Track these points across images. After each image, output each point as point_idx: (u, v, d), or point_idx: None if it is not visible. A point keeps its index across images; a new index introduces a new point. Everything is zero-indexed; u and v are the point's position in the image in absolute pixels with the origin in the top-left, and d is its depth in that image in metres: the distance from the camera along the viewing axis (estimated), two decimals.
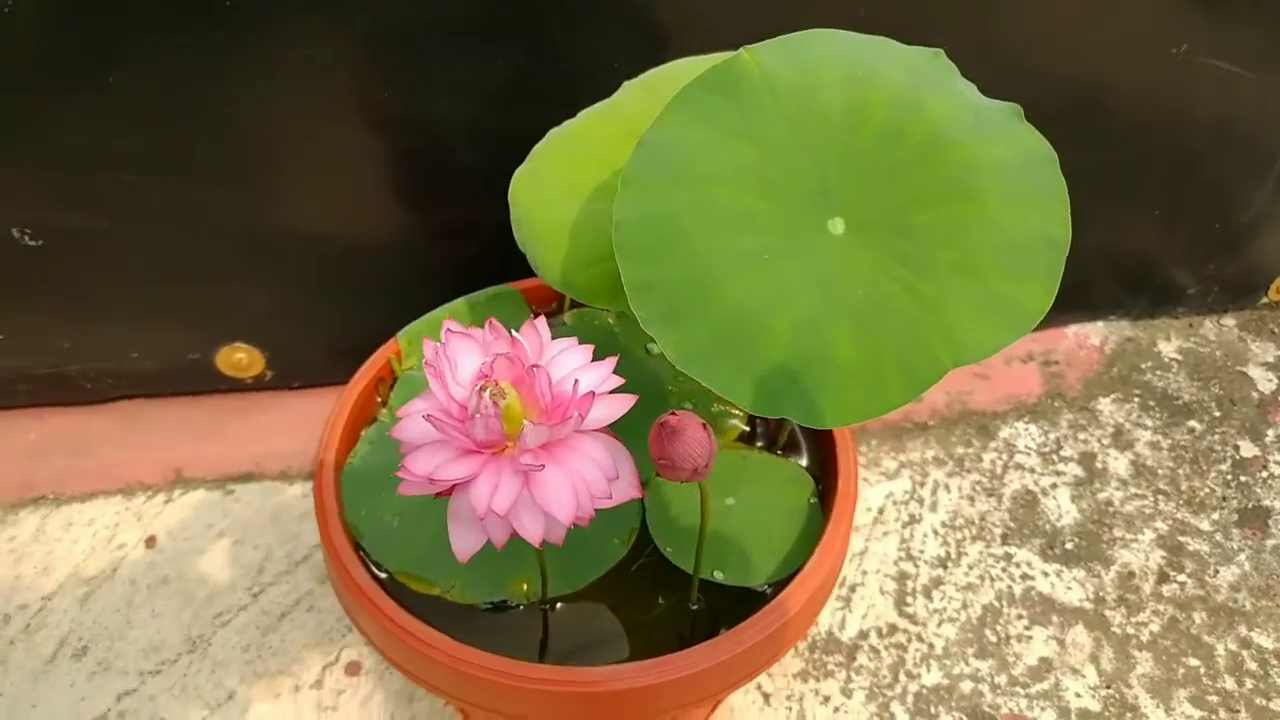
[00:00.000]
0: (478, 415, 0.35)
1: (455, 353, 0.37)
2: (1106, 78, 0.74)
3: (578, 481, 0.37)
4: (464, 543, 0.37)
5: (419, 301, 0.59)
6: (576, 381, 0.37)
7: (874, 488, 0.82)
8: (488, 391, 0.35)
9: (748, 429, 0.60)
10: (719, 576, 0.52)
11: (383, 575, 0.52)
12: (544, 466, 0.36)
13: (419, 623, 0.47)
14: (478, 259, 0.64)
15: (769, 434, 0.59)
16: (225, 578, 0.74)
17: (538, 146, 0.54)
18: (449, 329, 0.38)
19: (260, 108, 0.65)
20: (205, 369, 0.79)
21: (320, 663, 0.68)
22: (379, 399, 0.59)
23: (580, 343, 0.49)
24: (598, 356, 0.42)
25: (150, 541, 0.76)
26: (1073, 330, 0.93)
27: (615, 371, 0.39)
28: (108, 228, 0.68)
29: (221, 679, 0.67)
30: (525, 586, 0.52)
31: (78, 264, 0.70)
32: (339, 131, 0.67)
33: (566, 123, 0.55)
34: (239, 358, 0.79)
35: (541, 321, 0.40)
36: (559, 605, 0.51)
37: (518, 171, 0.54)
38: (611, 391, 0.39)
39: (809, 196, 0.42)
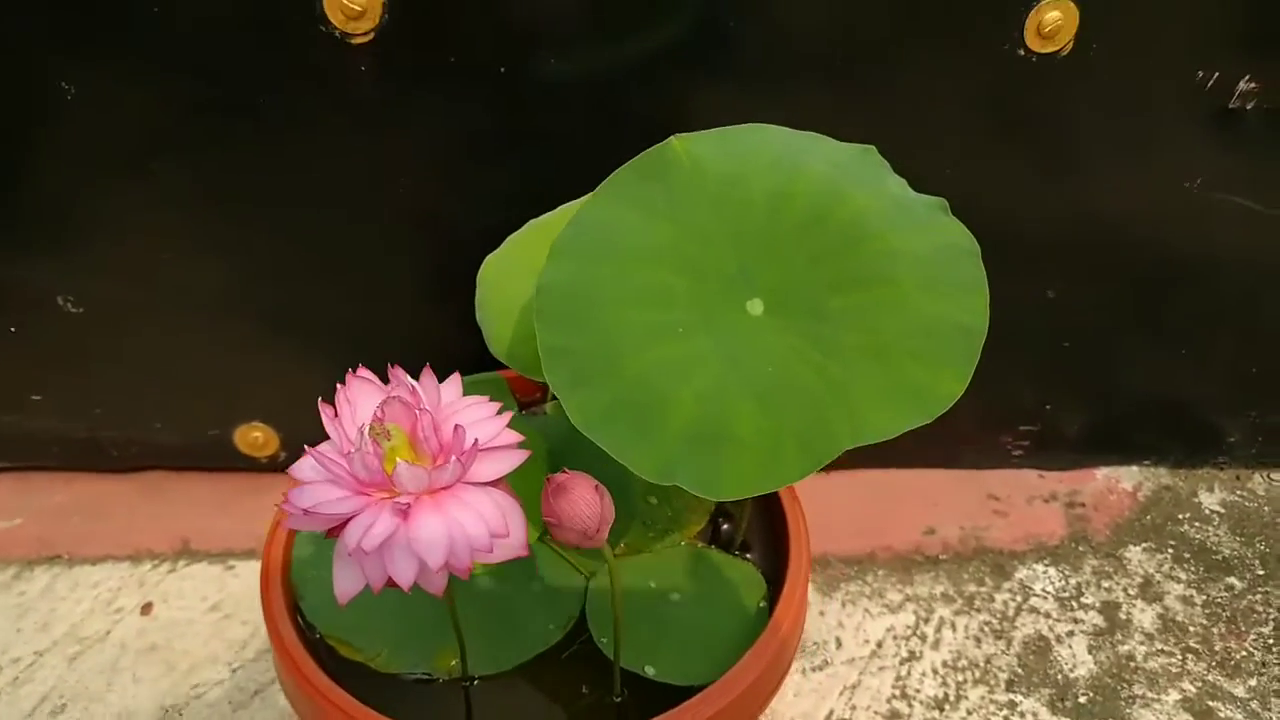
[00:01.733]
0: (356, 453, 0.36)
1: (355, 395, 0.39)
2: (1120, 212, 0.73)
3: (455, 529, 0.37)
4: (344, 584, 0.38)
5: None
6: (458, 427, 0.37)
7: (875, 620, 0.78)
8: (370, 430, 0.36)
9: (714, 525, 0.59)
10: (650, 671, 0.51)
11: (315, 637, 0.52)
12: (413, 508, 0.36)
13: (326, 679, 0.47)
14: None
15: (731, 535, 0.58)
16: (209, 651, 0.75)
17: (513, 235, 0.57)
18: (356, 374, 0.39)
19: (289, 201, 0.70)
20: (224, 445, 0.82)
21: None
22: None
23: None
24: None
25: (147, 608, 0.78)
26: (1102, 473, 0.89)
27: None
28: (143, 300, 0.74)
29: None
30: (453, 662, 0.51)
31: (114, 333, 0.75)
32: (363, 227, 0.71)
33: (546, 214, 0.58)
34: (255, 437, 0.82)
35: (454, 381, 0.41)
36: (482, 685, 0.50)
37: (489, 256, 0.56)
38: (509, 447, 0.39)
39: (729, 278, 0.43)
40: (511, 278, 0.52)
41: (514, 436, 0.40)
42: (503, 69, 0.64)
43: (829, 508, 0.85)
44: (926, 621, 0.77)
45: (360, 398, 0.39)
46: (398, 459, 0.37)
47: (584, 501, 0.38)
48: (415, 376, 0.40)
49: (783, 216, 0.42)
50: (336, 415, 0.39)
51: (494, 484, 0.40)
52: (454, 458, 0.37)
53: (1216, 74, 0.68)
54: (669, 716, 0.45)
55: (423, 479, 0.37)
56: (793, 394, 0.39)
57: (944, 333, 0.40)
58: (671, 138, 0.44)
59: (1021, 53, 0.66)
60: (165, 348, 0.77)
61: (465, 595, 0.54)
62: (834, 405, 0.39)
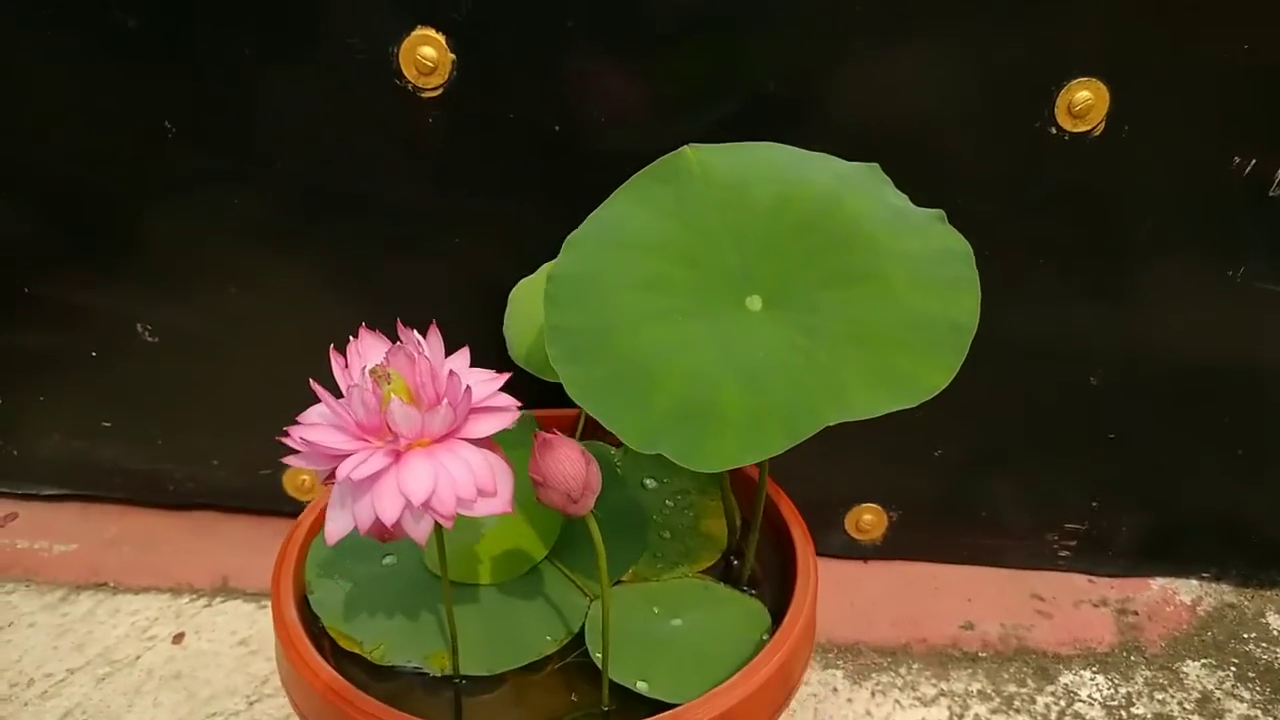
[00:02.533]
0: (355, 388, 0.38)
1: (365, 348, 0.41)
2: (1160, 297, 0.73)
3: (442, 475, 0.38)
4: (334, 525, 0.39)
5: None
6: (453, 373, 0.39)
7: (905, 711, 0.74)
8: (371, 371, 0.39)
9: (725, 564, 0.58)
10: (642, 687, 0.50)
11: (318, 627, 0.53)
12: (406, 454, 0.38)
13: (318, 658, 0.47)
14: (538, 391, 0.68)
15: (741, 571, 0.58)
16: (230, 683, 0.75)
17: (546, 264, 0.60)
18: (365, 328, 0.42)
19: (356, 252, 0.75)
20: (273, 487, 0.85)
21: None
22: None
23: None
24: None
25: (178, 638, 0.80)
26: (1157, 583, 0.84)
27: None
28: (212, 333, 0.79)
29: None
30: (447, 661, 0.51)
31: (184, 365, 0.80)
32: (423, 265, 0.75)
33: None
34: (303, 479, 0.85)
35: (462, 353, 0.44)
36: (472, 684, 0.50)
37: (521, 281, 0.59)
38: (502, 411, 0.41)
39: (730, 274, 0.44)
40: (534, 300, 0.55)
41: (509, 400, 0.42)
42: (557, 128, 0.69)
43: (864, 596, 0.83)
44: (961, 718, 0.73)
45: (370, 351, 0.42)
46: (393, 397, 0.39)
47: (569, 460, 0.39)
48: None
49: (783, 219, 0.45)
50: (347, 365, 0.41)
51: (488, 447, 0.41)
52: (445, 402, 0.39)
53: (1254, 161, 0.68)
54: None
55: (415, 420, 0.39)
56: (780, 376, 0.40)
57: (932, 327, 0.41)
58: (685, 147, 0.47)
59: (1053, 131, 0.68)
60: (225, 382, 0.81)
61: (468, 603, 0.54)
62: (819, 388, 0.40)
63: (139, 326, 0.79)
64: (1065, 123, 0.68)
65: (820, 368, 0.40)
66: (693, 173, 0.47)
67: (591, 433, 0.68)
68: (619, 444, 0.66)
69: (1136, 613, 0.82)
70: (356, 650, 0.52)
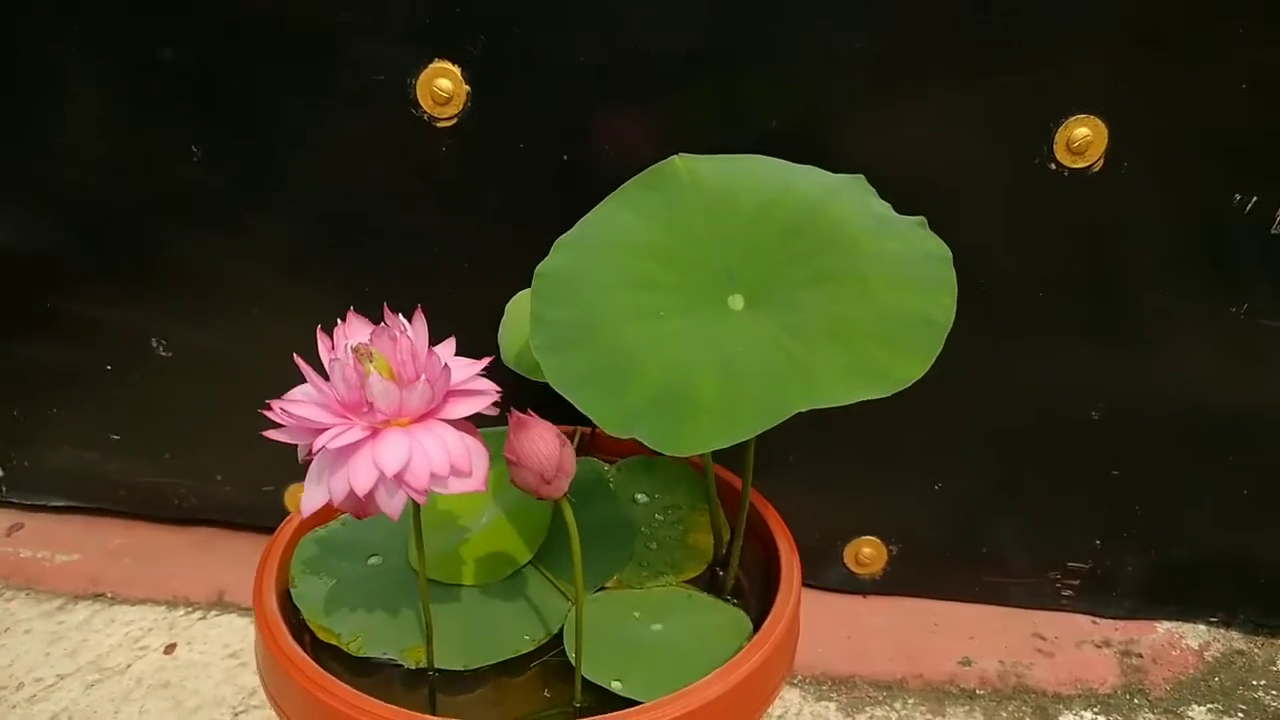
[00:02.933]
0: (336, 362, 0.39)
1: (352, 331, 0.42)
2: (1160, 332, 0.73)
3: (417, 450, 0.39)
4: (310, 497, 0.40)
5: None
6: (432, 352, 0.40)
7: None
8: (352, 347, 0.40)
9: (711, 576, 0.58)
10: (616, 686, 0.49)
11: (299, 619, 0.53)
12: (384, 430, 0.39)
13: (292, 643, 0.47)
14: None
15: (725, 581, 0.57)
16: (217, 693, 0.75)
17: None
18: (352, 312, 0.43)
19: (369, 274, 0.76)
20: (274, 504, 0.86)
21: None
22: None
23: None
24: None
25: (170, 649, 0.80)
26: (1164, 626, 0.82)
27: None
28: (223, 349, 0.80)
29: None
30: (422, 655, 0.51)
31: (194, 380, 0.82)
32: (432, 289, 0.76)
33: None
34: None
35: (449, 343, 0.44)
36: (446, 677, 0.50)
37: (517, 294, 0.61)
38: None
39: (715, 275, 0.45)
40: (527, 308, 0.56)
41: (488, 385, 0.42)
42: (565, 158, 0.71)
43: (862, 630, 0.81)
44: None
45: (356, 333, 0.43)
46: (373, 371, 0.39)
47: (543, 441, 0.40)
48: None
49: (768, 224, 0.46)
50: (333, 345, 0.42)
51: (467, 430, 0.42)
52: (423, 378, 0.39)
53: (1255, 198, 0.69)
54: (630, 712, 0.43)
55: (394, 395, 0.39)
56: (755, 368, 0.41)
57: (907, 322, 0.41)
58: (674, 156, 0.49)
59: (1053, 167, 0.68)
60: (233, 399, 0.82)
61: (449, 601, 0.54)
62: (793, 378, 0.40)
63: (154, 341, 0.81)
64: (1064, 159, 0.68)
65: (795, 359, 0.41)
66: (681, 180, 0.48)
67: (585, 451, 0.69)
68: (612, 460, 0.67)
69: (1141, 655, 0.80)
70: (334, 642, 0.52)
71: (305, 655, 0.47)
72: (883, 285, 0.42)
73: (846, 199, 0.46)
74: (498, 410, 0.43)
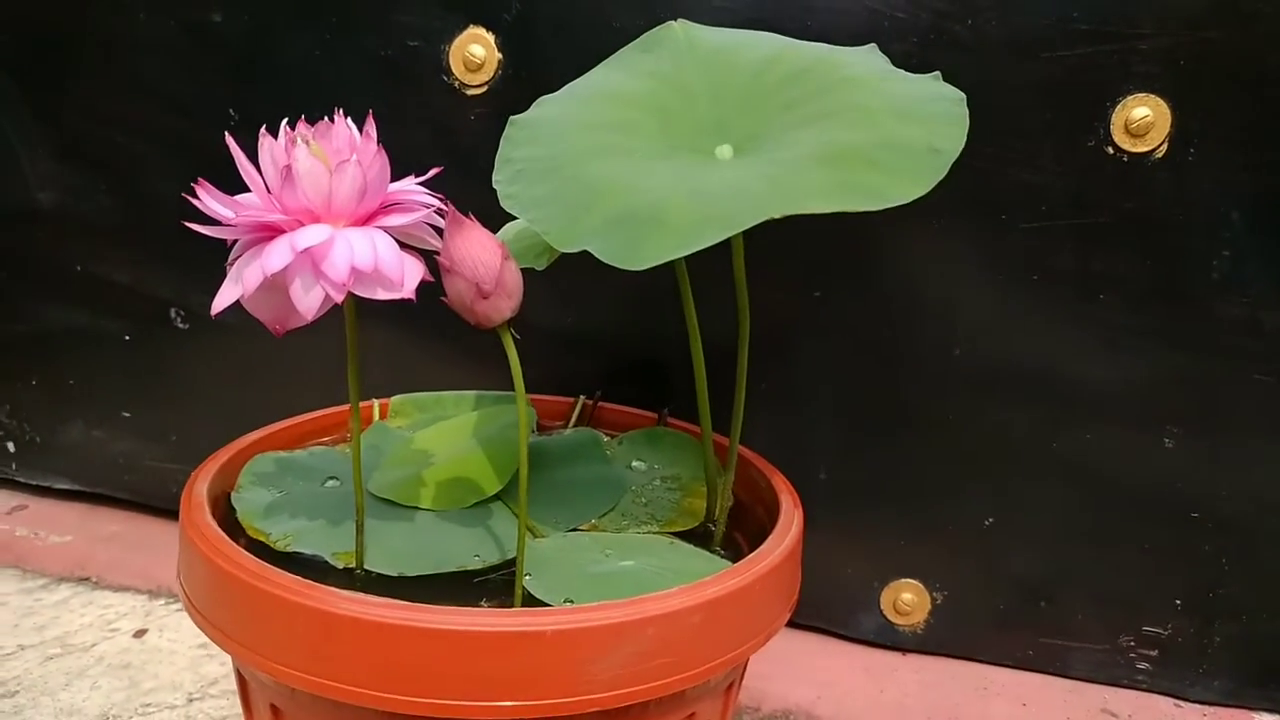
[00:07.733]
0: (266, 140, 0.36)
1: (300, 130, 0.39)
2: (1233, 342, 0.65)
3: (340, 241, 0.35)
4: (223, 294, 0.36)
5: None
6: (365, 133, 0.37)
7: None
8: (286, 133, 0.37)
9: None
10: (567, 604, 0.42)
11: (232, 517, 0.48)
12: (311, 224, 0.35)
13: (211, 523, 0.42)
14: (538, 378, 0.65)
15: (715, 534, 0.50)
16: (176, 679, 0.69)
17: None
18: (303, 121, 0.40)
19: None
20: None
21: None
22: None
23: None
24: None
25: (140, 634, 0.75)
26: (1264, 719, 0.69)
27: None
28: (239, 324, 0.78)
29: None
30: (353, 559, 0.45)
31: (207, 355, 0.80)
32: None
33: None
34: None
35: (409, 179, 0.41)
36: (375, 578, 0.44)
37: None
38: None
39: (703, 125, 0.41)
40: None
41: (430, 198, 0.38)
42: None
43: (898, 686, 0.71)
44: None
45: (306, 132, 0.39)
46: (300, 144, 0.36)
47: (480, 245, 0.35)
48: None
49: (768, 75, 0.42)
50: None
51: (411, 252, 0.38)
52: (354, 158, 0.36)
53: None
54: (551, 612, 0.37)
55: (321, 177, 0.36)
56: (732, 191, 0.36)
57: (911, 150, 0.36)
58: (672, 21, 0.46)
59: (1110, 150, 0.63)
60: (246, 381, 0.80)
61: (402, 520, 0.49)
62: (769, 195, 0.35)
63: (172, 312, 0.80)
64: (1123, 141, 0.63)
65: (777, 185, 0.36)
66: (678, 41, 0.45)
67: (586, 422, 0.64)
68: (612, 434, 0.61)
69: None
70: (263, 539, 0.46)
71: (215, 527, 0.42)
72: (887, 115, 0.38)
73: (856, 56, 0.43)
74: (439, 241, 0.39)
